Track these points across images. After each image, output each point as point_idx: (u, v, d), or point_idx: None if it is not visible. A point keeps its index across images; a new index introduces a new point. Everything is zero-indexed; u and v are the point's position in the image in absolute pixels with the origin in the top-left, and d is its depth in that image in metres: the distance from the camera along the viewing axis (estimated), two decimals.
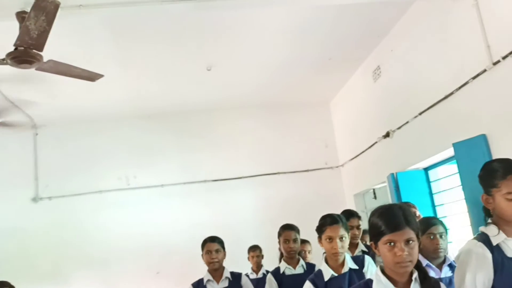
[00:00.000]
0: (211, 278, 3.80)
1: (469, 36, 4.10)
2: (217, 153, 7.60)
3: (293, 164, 7.68)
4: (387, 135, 5.85)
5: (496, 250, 2.04)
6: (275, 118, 7.89)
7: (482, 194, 2.16)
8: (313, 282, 2.86)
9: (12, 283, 4.84)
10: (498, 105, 3.82)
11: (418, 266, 1.94)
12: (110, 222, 7.11)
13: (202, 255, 3.88)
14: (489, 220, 2.17)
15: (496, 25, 3.81)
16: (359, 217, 4.12)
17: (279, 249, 4.02)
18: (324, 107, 8.11)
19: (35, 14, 3.33)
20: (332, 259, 2.91)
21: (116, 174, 7.39)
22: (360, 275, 2.87)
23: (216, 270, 3.83)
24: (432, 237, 3.05)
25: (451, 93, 4.42)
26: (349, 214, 3.98)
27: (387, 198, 5.80)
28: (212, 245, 3.82)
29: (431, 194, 5.38)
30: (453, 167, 4.77)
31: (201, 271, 3.91)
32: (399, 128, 5.57)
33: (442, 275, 2.98)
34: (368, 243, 4.03)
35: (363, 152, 6.75)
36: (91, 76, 4.53)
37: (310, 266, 3.81)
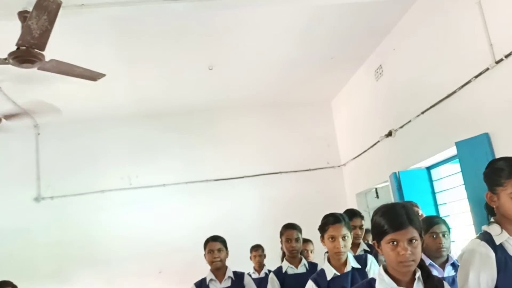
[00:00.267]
0: (213, 277, 3.80)
1: (472, 35, 4.09)
2: (219, 152, 7.60)
3: (295, 164, 7.68)
4: (389, 134, 5.84)
5: (499, 249, 2.03)
6: (277, 117, 7.89)
7: (486, 192, 2.14)
8: (315, 281, 2.86)
9: (15, 283, 4.86)
10: (501, 103, 3.81)
11: (421, 265, 1.93)
12: (112, 222, 7.12)
13: (204, 254, 3.87)
14: (492, 219, 2.16)
15: (499, 24, 3.80)
16: (362, 217, 4.11)
17: (281, 248, 4.01)
18: (326, 106, 8.11)
19: (37, 14, 3.33)
20: (334, 258, 2.90)
21: (118, 174, 7.40)
22: (363, 274, 2.87)
23: (218, 270, 3.82)
24: (435, 236, 3.04)
25: (454, 92, 4.41)
26: (352, 214, 3.97)
27: (389, 197, 5.79)
28: (214, 244, 3.81)
29: (433, 193, 5.37)
30: (455, 166, 4.76)
31: (204, 270, 3.90)
32: (401, 127, 5.56)
33: (445, 274, 2.97)
34: (370, 242, 4.04)
35: (365, 151, 6.74)
36: (93, 76, 4.53)
37: (312, 266, 3.79)
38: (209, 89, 6.86)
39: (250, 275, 4.22)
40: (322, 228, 2.97)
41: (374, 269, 2.89)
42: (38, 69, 4.07)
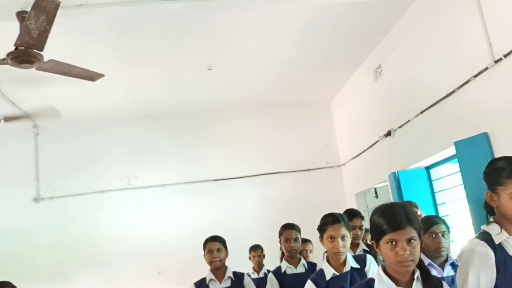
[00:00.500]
0: (213, 277, 3.80)
1: (471, 34, 4.09)
2: (218, 152, 7.60)
3: (294, 164, 7.68)
4: (388, 134, 5.84)
5: (498, 249, 2.03)
6: (276, 117, 7.89)
7: (486, 191, 2.14)
8: (314, 281, 2.86)
9: (14, 283, 4.85)
10: (500, 103, 3.80)
11: (420, 265, 1.93)
12: (112, 222, 7.12)
13: (204, 254, 3.87)
14: (491, 219, 2.16)
15: (497, 23, 3.79)
16: (362, 217, 4.09)
17: (280, 248, 4.01)
18: (325, 106, 8.11)
19: (35, 14, 3.32)
20: (333, 258, 2.90)
21: (117, 174, 7.40)
22: (362, 274, 2.87)
23: (218, 270, 3.82)
24: (434, 236, 3.04)
25: (453, 92, 4.41)
26: (352, 214, 3.96)
27: (388, 197, 5.79)
28: (214, 244, 3.82)
29: (432, 193, 5.37)
30: (454, 166, 4.76)
31: (203, 270, 3.91)
32: (400, 127, 5.56)
33: (444, 274, 2.97)
34: (369, 242, 4.04)
35: (364, 151, 6.74)
36: (92, 76, 4.53)
37: (311, 266, 3.80)
38: (209, 89, 6.85)
39: (249, 275, 4.22)
40: (321, 228, 2.97)
41: (373, 269, 2.89)
42: (37, 69, 4.07)
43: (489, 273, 2.00)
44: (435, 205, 5.30)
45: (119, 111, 7.22)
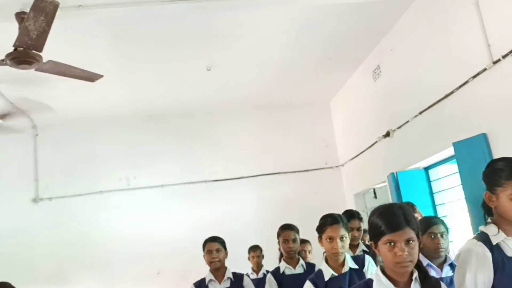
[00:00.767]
0: (213, 278, 3.80)
1: (469, 35, 4.09)
2: (217, 153, 7.60)
3: (293, 164, 7.68)
4: (387, 134, 5.84)
5: (496, 250, 2.04)
6: (275, 118, 7.89)
7: (485, 191, 2.15)
8: (313, 282, 2.86)
9: (13, 284, 4.84)
10: (499, 104, 3.81)
11: (419, 266, 1.94)
12: (111, 223, 7.11)
13: (203, 255, 3.88)
14: (489, 220, 2.16)
15: (496, 24, 3.80)
16: (360, 219, 4.08)
17: (279, 249, 4.02)
18: (324, 107, 8.11)
19: (34, 15, 3.33)
20: (332, 259, 2.91)
21: (116, 175, 7.39)
22: (361, 274, 2.87)
23: (217, 270, 3.83)
24: (433, 236, 3.05)
25: (451, 92, 4.41)
26: (350, 215, 3.95)
27: (387, 197, 5.79)
28: (213, 245, 3.82)
29: (431, 193, 5.38)
30: (453, 167, 4.77)
31: (202, 271, 3.91)
32: (399, 127, 5.57)
33: (443, 275, 2.97)
34: (367, 242, 4.04)
35: (363, 151, 6.75)
36: (91, 77, 4.53)
37: (310, 266, 3.81)
38: (208, 90, 6.85)
39: (248, 276, 4.23)
40: (320, 229, 2.97)
41: (371, 269, 2.89)
42: (36, 70, 4.06)
43: (487, 274, 2.01)
44: (433, 205, 5.30)
45: (118, 112, 7.22)
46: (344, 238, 2.90)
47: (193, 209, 7.31)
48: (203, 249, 3.88)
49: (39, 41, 3.61)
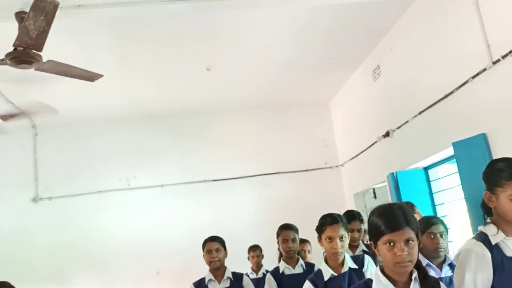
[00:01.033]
0: (212, 277, 3.80)
1: (469, 35, 4.09)
2: (217, 153, 7.60)
3: (293, 164, 7.68)
4: (387, 134, 5.85)
5: (495, 250, 2.04)
6: (274, 118, 7.89)
7: (485, 191, 2.15)
8: (312, 281, 2.86)
9: (13, 284, 4.84)
10: (498, 104, 3.81)
11: (418, 266, 1.94)
12: (110, 223, 7.11)
13: (203, 255, 3.88)
14: (488, 220, 2.16)
15: (496, 24, 3.80)
16: (361, 220, 4.02)
17: (279, 249, 4.02)
18: (324, 107, 8.11)
19: (34, 14, 3.32)
20: (332, 258, 2.91)
21: (116, 175, 7.39)
22: (360, 274, 2.87)
23: (217, 270, 3.83)
24: (432, 236, 3.05)
25: (451, 92, 4.41)
26: (351, 216, 3.92)
27: (387, 197, 5.79)
28: (213, 245, 3.83)
29: (431, 193, 5.38)
30: (453, 167, 4.77)
31: (202, 271, 3.91)
32: (399, 127, 5.57)
33: (443, 275, 2.98)
34: (366, 242, 4.04)
35: (363, 151, 6.75)
36: (91, 76, 4.53)
37: (310, 266, 3.81)
38: (207, 90, 6.85)
39: (248, 276, 4.23)
40: (320, 229, 2.97)
41: (371, 269, 2.89)
42: (36, 69, 4.06)
43: (486, 274, 2.01)
44: (433, 205, 5.31)
45: (117, 112, 7.22)
46: (343, 238, 2.90)
47: (193, 209, 7.31)
48: (203, 249, 3.88)
49: (39, 41, 3.60)
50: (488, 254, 2.02)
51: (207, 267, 3.86)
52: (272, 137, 7.78)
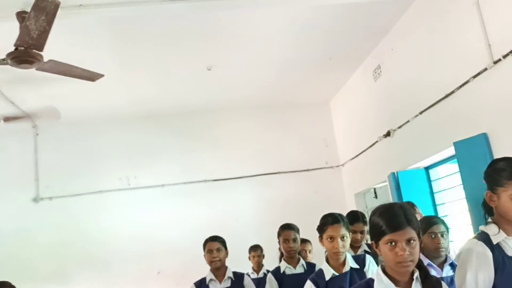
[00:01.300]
0: (213, 277, 3.81)
1: (470, 35, 4.09)
2: (218, 152, 7.60)
3: (294, 164, 7.68)
4: (387, 134, 5.84)
5: (496, 249, 2.04)
6: (275, 118, 7.89)
7: (486, 191, 2.15)
8: (314, 281, 2.86)
9: (13, 283, 4.84)
10: (499, 104, 3.81)
11: (420, 265, 1.94)
12: (111, 222, 7.11)
13: (204, 255, 3.88)
14: (489, 219, 2.16)
15: (496, 24, 3.80)
16: (365, 222, 3.96)
17: (279, 249, 4.02)
18: (325, 107, 8.11)
19: (35, 14, 3.33)
20: (333, 258, 2.91)
21: (116, 174, 7.40)
22: (361, 274, 2.87)
23: (218, 269, 3.83)
24: (433, 236, 3.05)
25: (452, 92, 4.41)
26: (355, 218, 3.90)
27: (388, 197, 5.79)
28: (213, 244, 3.83)
29: (432, 193, 5.38)
30: (454, 166, 4.77)
31: (203, 270, 3.92)
32: (399, 127, 5.57)
33: (444, 274, 2.98)
34: (368, 242, 4.04)
35: (363, 151, 6.75)
36: (92, 76, 4.53)
37: (310, 266, 3.80)
38: (208, 90, 6.85)
39: (248, 275, 4.23)
40: (321, 228, 2.97)
41: (372, 269, 2.90)
42: (37, 69, 4.07)
43: (487, 273, 2.01)
44: (434, 205, 5.31)
45: (118, 111, 7.22)
46: (345, 237, 2.90)
47: (194, 208, 7.31)
48: (204, 249, 3.88)
49: (40, 41, 3.61)
50: (489, 254, 2.02)
51: (208, 267, 3.86)
52: (273, 137, 7.78)
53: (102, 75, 4.55)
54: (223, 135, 7.71)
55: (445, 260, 3.07)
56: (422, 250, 2.46)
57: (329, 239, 2.89)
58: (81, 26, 4.75)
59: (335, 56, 6.17)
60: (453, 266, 2.99)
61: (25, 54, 3.80)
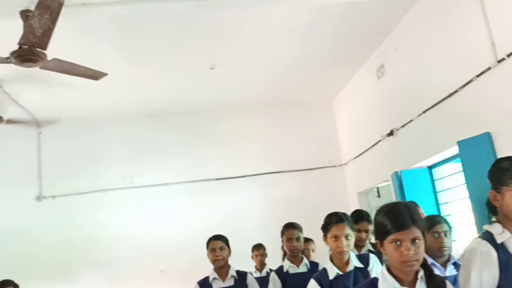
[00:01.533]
0: (216, 276, 3.81)
1: (474, 34, 4.09)
2: (221, 151, 7.60)
3: (297, 163, 7.67)
4: (391, 133, 5.84)
5: (500, 249, 2.04)
6: (278, 116, 7.89)
7: (490, 190, 2.14)
8: (318, 280, 2.86)
9: (16, 282, 4.86)
10: (503, 103, 3.80)
11: (424, 265, 1.94)
12: (114, 221, 7.12)
13: (207, 254, 3.89)
14: (493, 218, 2.16)
15: (501, 23, 3.79)
16: (369, 221, 3.95)
17: (283, 247, 4.02)
18: (328, 106, 8.10)
19: (39, 13, 3.33)
20: (337, 257, 2.91)
21: (120, 173, 7.40)
22: (365, 273, 2.87)
23: (221, 268, 3.84)
24: (436, 235, 3.05)
25: (456, 91, 4.41)
26: (360, 217, 3.90)
27: (391, 196, 5.79)
28: (217, 243, 3.84)
29: (435, 192, 5.37)
30: (457, 165, 4.76)
31: (206, 269, 3.92)
32: (403, 126, 5.56)
33: (447, 274, 2.98)
34: (372, 241, 4.03)
35: (367, 150, 6.74)
36: (95, 75, 4.53)
37: (314, 265, 3.80)
38: (211, 89, 6.86)
39: (251, 274, 4.23)
40: (325, 227, 2.97)
41: (376, 268, 2.89)
42: (40, 68, 4.07)
43: (491, 272, 2.01)
44: (437, 204, 5.30)
45: (122, 110, 7.23)
46: (349, 236, 2.89)
47: (197, 207, 7.31)
48: (207, 248, 3.89)
49: (44, 39, 3.61)
50: (493, 253, 2.02)
51: (211, 266, 3.87)
52: (276, 135, 7.78)
53: (106, 74, 4.56)
54: (226, 133, 7.71)
55: (448, 260, 3.07)
56: (425, 249, 2.46)
57: (333, 238, 2.89)
58: (84, 24, 4.76)
59: (338, 55, 6.17)
60: (456, 265, 2.99)
61: (29, 52, 3.80)
